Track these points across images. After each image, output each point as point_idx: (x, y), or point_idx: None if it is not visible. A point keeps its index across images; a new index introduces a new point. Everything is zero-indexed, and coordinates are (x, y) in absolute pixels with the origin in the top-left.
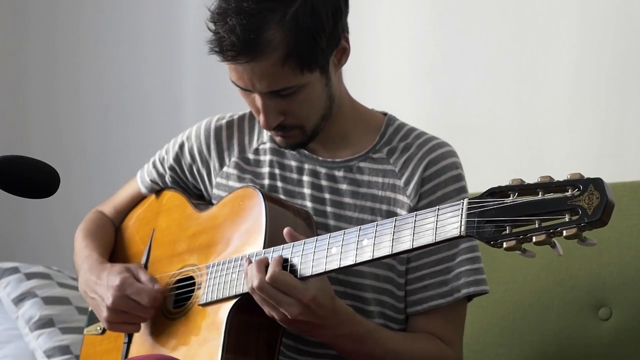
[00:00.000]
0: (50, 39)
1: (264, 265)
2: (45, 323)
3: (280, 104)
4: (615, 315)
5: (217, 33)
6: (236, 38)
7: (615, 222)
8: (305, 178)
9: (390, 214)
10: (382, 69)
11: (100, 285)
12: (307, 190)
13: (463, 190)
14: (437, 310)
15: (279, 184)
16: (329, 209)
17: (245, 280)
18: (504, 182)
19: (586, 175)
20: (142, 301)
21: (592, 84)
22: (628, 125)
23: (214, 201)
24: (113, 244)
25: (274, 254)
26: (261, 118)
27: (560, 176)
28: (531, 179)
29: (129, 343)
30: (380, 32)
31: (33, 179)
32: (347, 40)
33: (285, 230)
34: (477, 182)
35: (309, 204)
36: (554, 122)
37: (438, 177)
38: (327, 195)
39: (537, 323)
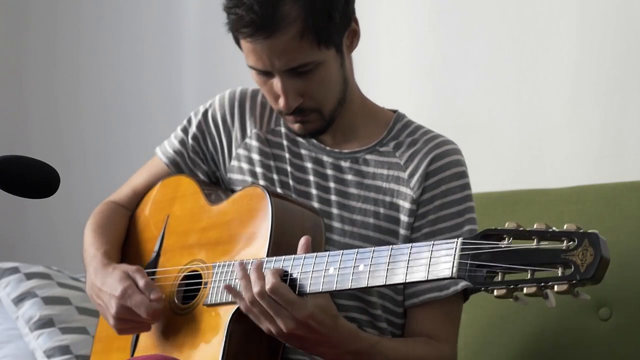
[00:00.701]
0: (50, 39)
1: (260, 272)
2: (45, 323)
3: (299, 84)
4: (615, 315)
5: (235, 13)
6: (255, 15)
7: (615, 222)
8: (311, 165)
9: (393, 206)
10: (382, 69)
11: (104, 292)
12: (312, 178)
13: (466, 187)
14: (434, 303)
15: (289, 168)
16: (333, 197)
17: (235, 297)
18: (504, 182)
19: (586, 175)
20: (141, 314)
21: (592, 84)
22: (628, 125)
23: (229, 174)
24: (124, 233)
25: (275, 264)
26: (281, 101)
27: (560, 176)
28: (531, 179)
29: (138, 333)
30: (380, 32)
31: (33, 179)
32: (357, 23)
33: (304, 239)
34: (477, 182)
35: (313, 191)
36: (554, 122)
37: (442, 172)
38: (332, 184)
39: (537, 323)
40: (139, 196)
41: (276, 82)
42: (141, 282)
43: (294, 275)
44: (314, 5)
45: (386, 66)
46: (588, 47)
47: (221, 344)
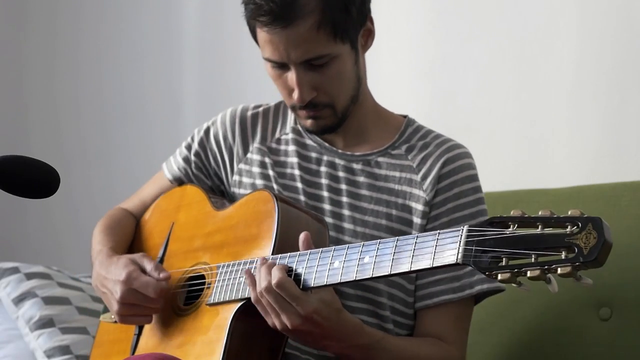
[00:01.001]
0: (50, 39)
1: (270, 269)
2: (45, 323)
3: (314, 77)
4: (615, 315)
5: (254, 3)
6: (274, 4)
7: (615, 222)
8: (323, 169)
9: (406, 208)
10: (382, 69)
11: (108, 279)
12: (324, 181)
13: (479, 190)
14: (446, 305)
15: (297, 172)
16: (344, 199)
17: (250, 285)
18: (504, 182)
19: (586, 175)
20: (148, 294)
21: (592, 84)
22: (628, 125)
23: (232, 188)
24: (131, 236)
25: (280, 261)
26: (295, 93)
27: (560, 176)
28: (531, 179)
29: (138, 335)
30: (380, 32)
31: (33, 179)
32: (372, 23)
33: (303, 235)
34: None
35: (325, 193)
36: (554, 122)
37: (455, 175)
38: (343, 186)
39: (537, 323)
40: (146, 208)
41: (291, 75)
42: (149, 266)
43: (299, 271)
44: None
45: (386, 66)
46: (588, 47)
47: (223, 341)
